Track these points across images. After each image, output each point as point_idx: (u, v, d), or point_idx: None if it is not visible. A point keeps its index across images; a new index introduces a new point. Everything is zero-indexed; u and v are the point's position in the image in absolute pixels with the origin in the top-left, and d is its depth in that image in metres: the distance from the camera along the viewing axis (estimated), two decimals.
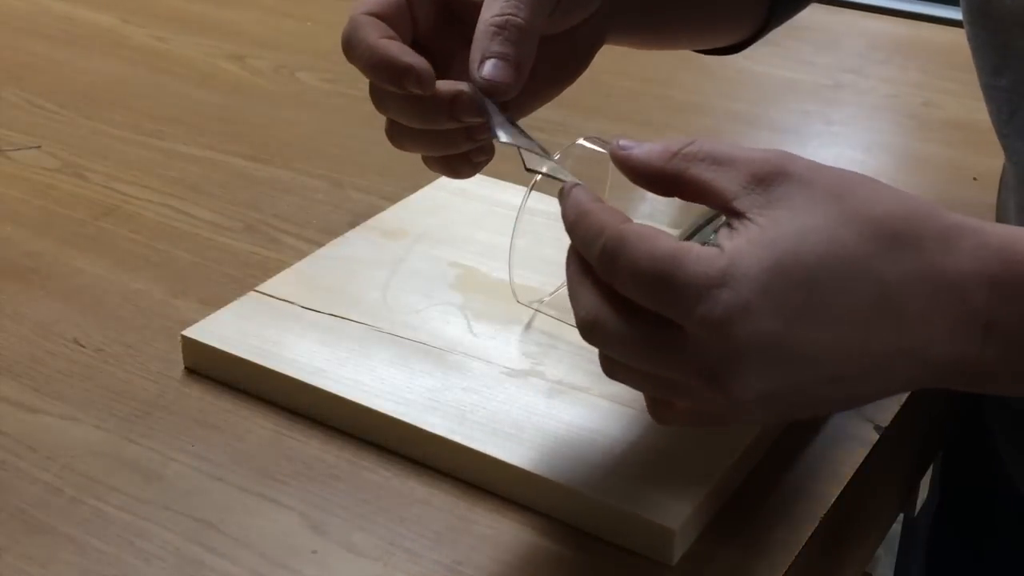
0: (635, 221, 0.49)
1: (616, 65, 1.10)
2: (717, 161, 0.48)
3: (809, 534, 0.57)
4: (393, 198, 0.82)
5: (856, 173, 0.48)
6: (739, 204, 0.46)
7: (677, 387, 0.47)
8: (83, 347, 0.70)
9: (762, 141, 0.97)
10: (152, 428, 0.64)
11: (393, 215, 0.79)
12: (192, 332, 0.67)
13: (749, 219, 0.46)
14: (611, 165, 0.66)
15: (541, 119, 0.98)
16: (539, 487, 0.57)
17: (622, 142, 0.51)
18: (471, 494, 0.59)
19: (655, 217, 0.65)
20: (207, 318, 0.68)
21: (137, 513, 0.58)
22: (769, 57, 1.13)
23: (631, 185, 0.66)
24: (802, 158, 0.48)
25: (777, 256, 0.44)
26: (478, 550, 0.56)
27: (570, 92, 1.03)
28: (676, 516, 0.55)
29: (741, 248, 0.45)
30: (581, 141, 0.66)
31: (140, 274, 0.77)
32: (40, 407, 0.65)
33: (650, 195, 0.66)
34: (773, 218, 0.45)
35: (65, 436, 0.63)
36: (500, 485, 0.59)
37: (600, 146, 0.66)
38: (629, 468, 0.58)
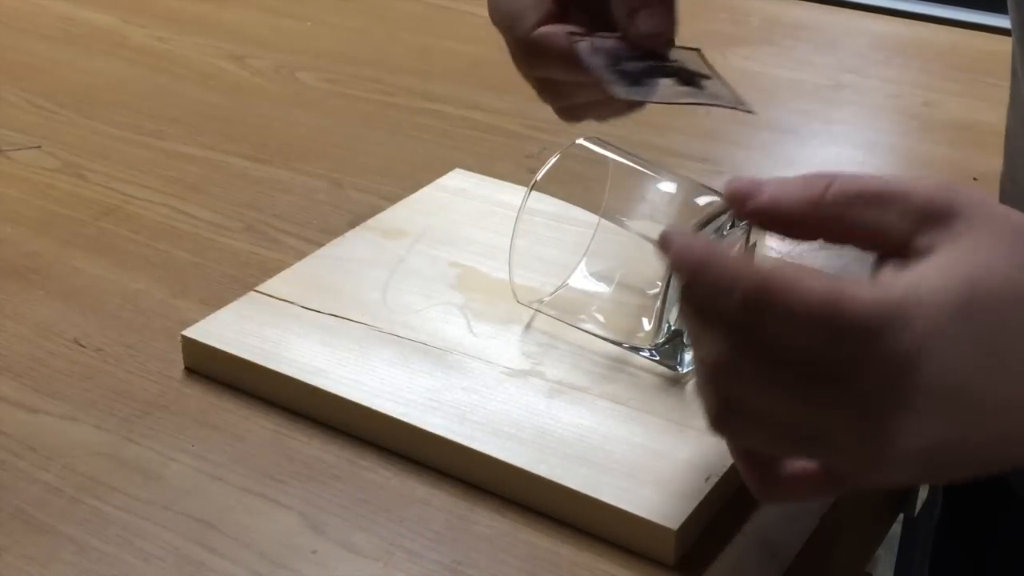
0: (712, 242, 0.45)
1: None
2: (876, 200, 0.43)
3: (809, 534, 0.57)
4: (393, 198, 0.82)
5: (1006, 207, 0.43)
6: (918, 242, 0.42)
7: (814, 442, 0.42)
8: (83, 347, 0.70)
9: (762, 141, 0.97)
10: (152, 428, 0.64)
11: (393, 215, 0.79)
12: (192, 332, 0.67)
13: (924, 256, 0.41)
14: (611, 165, 0.66)
15: (541, 119, 0.98)
16: (539, 487, 0.57)
17: (739, 186, 0.45)
18: (471, 494, 0.59)
19: (655, 217, 0.66)
20: (207, 318, 0.68)
21: (137, 513, 0.58)
22: (769, 57, 1.13)
23: (631, 185, 0.66)
24: (964, 189, 0.43)
25: (961, 283, 0.39)
26: (478, 550, 0.56)
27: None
28: (676, 516, 0.55)
29: (918, 277, 0.40)
30: (581, 141, 0.66)
31: (140, 274, 0.77)
32: (40, 407, 0.65)
33: (649, 195, 0.66)
34: (952, 249, 0.41)
35: (65, 436, 0.63)
36: (500, 485, 0.59)
37: (599, 146, 0.66)
38: (629, 468, 0.58)
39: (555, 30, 0.57)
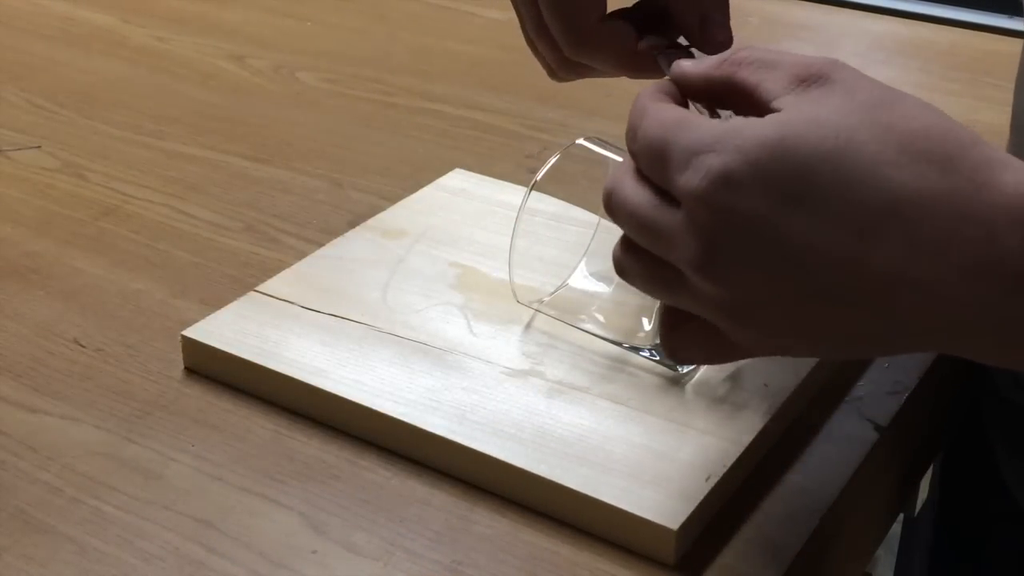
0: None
1: None
2: (765, 64, 0.46)
3: (809, 534, 0.57)
4: (393, 198, 0.82)
5: (910, 96, 0.44)
6: (777, 104, 0.44)
7: (674, 282, 0.46)
8: (83, 347, 0.70)
9: None
10: (152, 428, 0.64)
11: (393, 215, 0.79)
12: (192, 332, 0.67)
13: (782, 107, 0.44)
14: (611, 164, 0.66)
15: (541, 119, 0.98)
16: (539, 487, 0.57)
17: (681, 62, 0.50)
18: (471, 494, 0.59)
19: None
20: (207, 318, 0.68)
21: (137, 513, 0.58)
22: None
23: None
24: (852, 68, 0.45)
25: (781, 134, 0.42)
26: (478, 550, 0.56)
27: (570, 92, 1.03)
28: (676, 516, 0.55)
29: (745, 121, 0.43)
30: (581, 141, 0.66)
31: (140, 274, 0.77)
32: (40, 407, 0.65)
33: None
34: (794, 104, 0.43)
35: (65, 436, 0.63)
36: (500, 485, 0.59)
37: (599, 146, 0.66)
38: (629, 468, 0.58)
39: (623, 27, 0.59)
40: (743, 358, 0.51)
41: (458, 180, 0.84)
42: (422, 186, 0.83)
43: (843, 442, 0.63)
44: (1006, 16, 1.24)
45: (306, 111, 1.01)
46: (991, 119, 1.01)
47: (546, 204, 0.66)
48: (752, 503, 0.58)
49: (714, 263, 0.43)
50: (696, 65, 0.49)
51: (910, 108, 0.43)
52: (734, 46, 0.49)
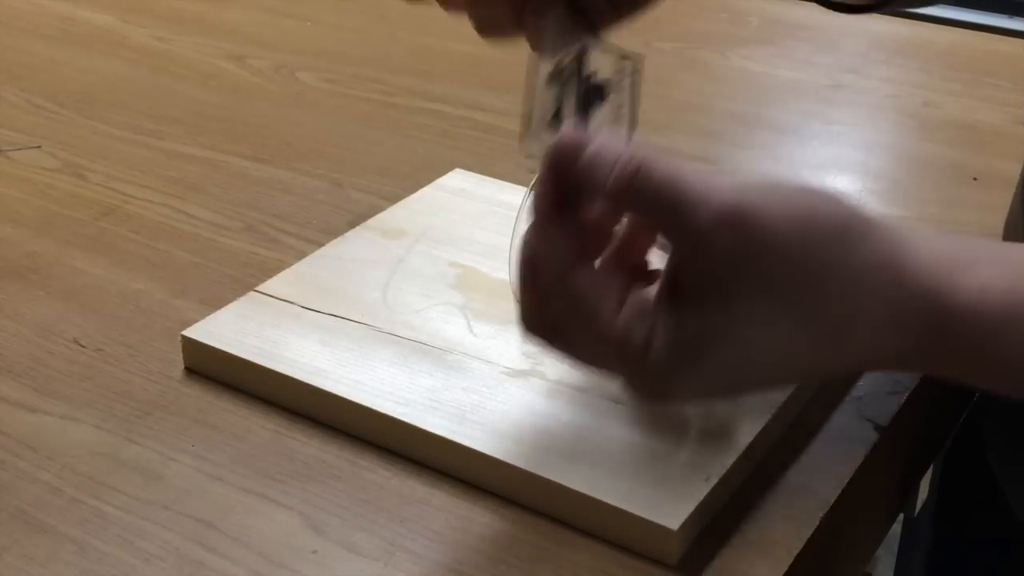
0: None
1: None
2: (664, 210, 0.46)
3: (809, 534, 0.57)
4: (393, 198, 0.82)
5: (826, 227, 0.46)
6: (684, 274, 0.46)
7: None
8: (83, 347, 0.70)
9: (762, 141, 0.97)
10: (152, 428, 0.64)
11: (393, 215, 0.79)
12: (192, 332, 0.67)
13: (689, 305, 0.46)
14: None
15: None
16: (539, 487, 0.57)
17: (566, 134, 0.48)
18: (471, 494, 0.59)
19: None
20: (207, 318, 0.68)
21: (137, 513, 0.58)
22: (769, 57, 1.13)
23: None
24: (762, 223, 0.45)
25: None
26: (478, 550, 0.56)
27: None
28: (676, 516, 0.55)
29: (680, 345, 0.46)
30: None
31: (140, 274, 0.77)
32: (40, 407, 0.65)
33: None
34: (707, 317, 0.46)
35: (65, 436, 0.63)
36: (500, 485, 0.59)
37: None
38: (629, 468, 0.58)
39: None
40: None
41: (458, 180, 0.84)
42: (422, 186, 0.83)
43: (843, 442, 0.63)
44: (1006, 16, 1.24)
45: (306, 111, 1.01)
46: (991, 119, 1.01)
47: None
48: (752, 503, 0.58)
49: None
50: (594, 171, 0.48)
51: (819, 278, 0.45)
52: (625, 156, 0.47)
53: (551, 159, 0.48)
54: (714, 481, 0.57)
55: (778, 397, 0.62)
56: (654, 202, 0.46)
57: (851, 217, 0.46)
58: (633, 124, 0.59)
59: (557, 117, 0.57)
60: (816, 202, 0.46)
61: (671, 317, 0.46)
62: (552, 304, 0.49)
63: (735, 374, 0.47)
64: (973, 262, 0.46)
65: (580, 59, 0.57)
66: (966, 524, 0.82)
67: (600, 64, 0.58)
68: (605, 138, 0.48)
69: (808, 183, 0.48)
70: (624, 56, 0.57)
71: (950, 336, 0.46)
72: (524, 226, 0.65)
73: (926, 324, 0.46)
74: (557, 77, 0.55)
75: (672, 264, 0.48)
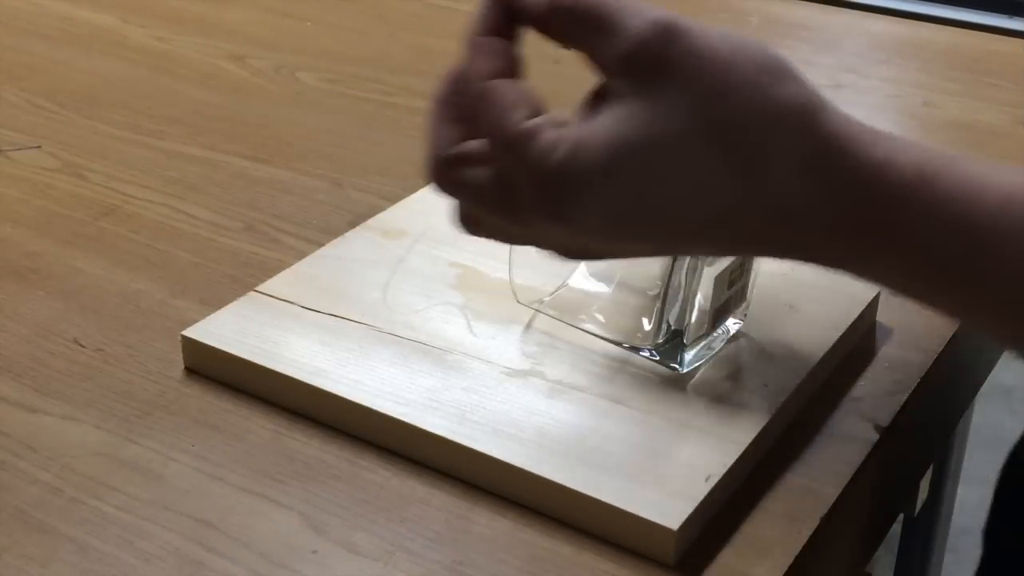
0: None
1: None
2: (597, 26, 0.45)
3: (809, 534, 0.57)
4: (393, 198, 0.82)
5: (743, 56, 0.45)
6: (613, 84, 0.45)
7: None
8: (83, 347, 0.70)
9: None
10: (152, 428, 0.64)
11: (393, 215, 0.79)
12: (192, 332, 0.67)
13: (612, 102, 0.44)
14: None
15: None
16: (539, 487, 0.57)
17: None
18: (471, 494, 0.59)
19: None
20: (207, 318, 0.68)
21: (137, 513, 0.58)
22: None
23: None
24: (687, 39, 0.44)
25: (613, 163, 0.44)
26: (478, 550, 0.56)
27: (571, 92, 1.03)
28: (676, 516, 0.55)
29: (580, 145, 0.44)
30: None
31: (140, 274, 0.77)
32: (40, 407, 0.65)
33: None
34: (632, 110, 0.44)
35: (65, 436, 0.63)
36: (500, 485, 0.59)
37: None
38: (629, 468, 0.58)
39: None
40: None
41: None
42: (422, 186, 0.83)
43: (843, 442, 0.63)
44: (1006, 16, 1.24)
45: (306, 111, 1.01)
46: (991, 119, 1.01)
47: None
48: (752, 503, 0.58)
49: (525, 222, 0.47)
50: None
51: (743, 92, 0.44)
52: None
53: None
54: (714, 481, 0.57)
55: (778, 397, 0.62)
56: (585, 14, 0.45)
57: (779, 60, 0.45)
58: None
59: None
60: (750, 41, 0.45)
61: (582, 125, 0.44)
62: (467, 124, 0.48)
63: (641, 201, 0.44)
64: (889, 136, 0.45)
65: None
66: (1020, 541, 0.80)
67: None
68: None
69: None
70: None
71: (857, 190, 0.44)
72: None
73: (835, 172, 0.44)
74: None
75: (595, 87, 0.46)
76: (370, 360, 0.65)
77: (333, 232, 0.78)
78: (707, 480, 0.57)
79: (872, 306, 0.71)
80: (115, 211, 0.85)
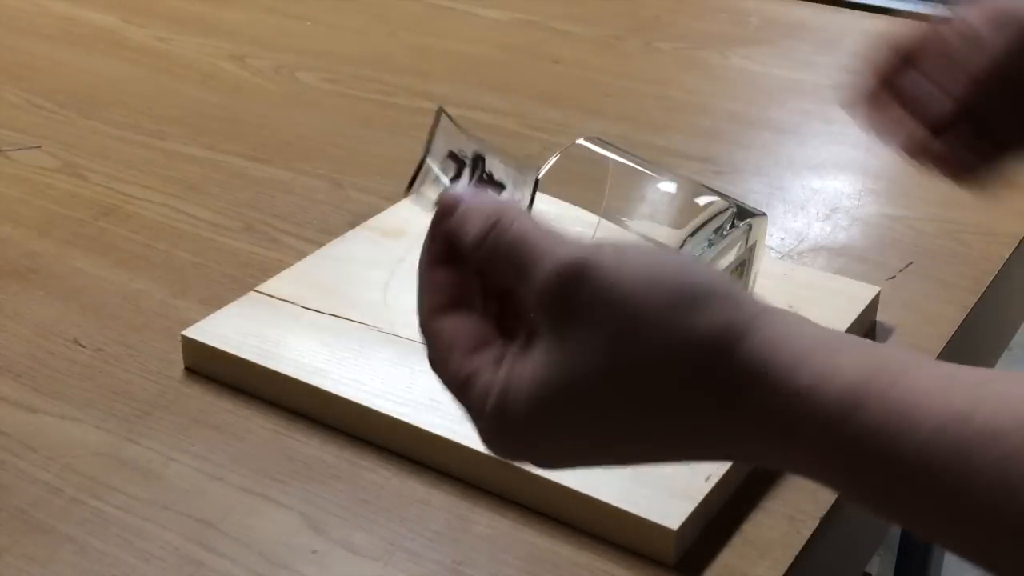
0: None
1: (616, 65, 1.10)
2: (516, 265, 0.46)
3: (809, 534, 0.57)
4: (393, 198, 0.82)
5: (656, 294, 0.43)
6: (534, 320, 0.45)
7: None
8: (83, 347, 0.70)
9: (762, 141, 0.97)
10: (152, 428, 0.64)
11: (393, 215, 0.79)
12: (192, 332, 0.67)
13: (535, 340, 0.45)
14: (611, 166, 0.66)
15: (542, 119, 0.98)
16: (539, 487, 0.57)
17: (444, 198, 0.51)
18: (471, 494, 0.59)
19: (656, 217, 0.66)
20: (207, 318, 0.68)
21: (137, 513, 0.58)
22: (769, 57, 1.13)
23: (630, 185, 0.66)
24: (596, 278, 0.44)
25: (542, 406, 0.44)
26: (478, 550, 0.56)
27: (570, 92, 1.03)
28: (676, 516, 0.55)
29: (510, 390, 0.45)
30: (581, 141, 0.66)
31: (140, 274, 0.77)
32: (40, 407, 0.65)
33: (649, 196, 0.66)
34: (551, 349, 0.44)
35: (65, 436, 0.63)
36: (500, 485, 0.59)
37: (600, 146, 0.66)
38: (629, 468, 0.57)
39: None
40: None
41: None
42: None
43: None
44: None
45: (306, 111, 1.01)
46: None
47: (546, 204, 0.66)
48: (752, 503, 0.58)
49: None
50: (460, 231, 0.49)
51: (652, 330, 0.43)
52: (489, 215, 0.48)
53: (434, 216, 0.51)
54: (714, 481, 0.57)
55: None
56: (506, 257, 0.46)
57: (700, 287, 0.43)
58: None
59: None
60: (670, 268, 0.44)
61: (514, 365, 0.45)
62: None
63: (570, 438, 0.45)
64: (832, 352, 0.42)
65: (478, 160, 0.58)
66: None
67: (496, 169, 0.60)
68: (478, 197, 0.49)
69: (673, 252, 0.46)
70: (519, 171, 0.58)
71: (775, 423, 0.42)
72: None
73: (752, 407, 0.42)
74: (454, 158, 0.56)
75: (525, 320, 0.47)
76: (370, 360, 0.65)
77: (333, 232, 0.78)
78: (707, 480, 0.57)
79: (872, 306, 0.71)
80: (115, 211, 0.85)
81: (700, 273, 0.44)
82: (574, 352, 0.43)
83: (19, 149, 0.93)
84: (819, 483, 0.43)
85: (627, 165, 0.66)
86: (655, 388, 0.43)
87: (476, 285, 0.49)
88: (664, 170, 0.65)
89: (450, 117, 0.52)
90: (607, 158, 0.66)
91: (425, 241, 0.51)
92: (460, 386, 0.46)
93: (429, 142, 0.52)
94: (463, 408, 0.46)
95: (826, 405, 0.40)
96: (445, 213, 0.50)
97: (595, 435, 0.44)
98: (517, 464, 0.48)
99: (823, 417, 0.40)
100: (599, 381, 0.43)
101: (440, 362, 0.48)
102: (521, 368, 0.45)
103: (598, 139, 0.66)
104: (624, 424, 0.44)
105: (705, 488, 0.56)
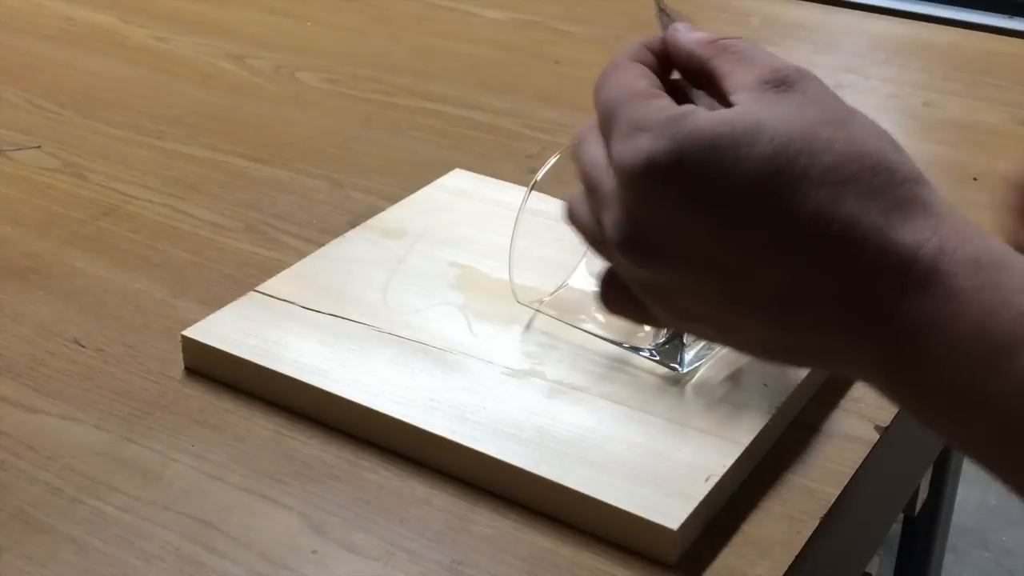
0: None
1: None
2: (743, 58, 0.46)
3: (809, 534, 0.57)
4: (393, 198, 0.82)
5: (867, 120, 0.44)
6: (734, 98, 0.45)
7: (606, 244, 0.46)
8: (83, 347, 0.70)
9: None
10: (152, 428, 0.64)
11: (393, 215, 0.79)
12: (192, 332, 0.67)
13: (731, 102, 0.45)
14: None
15: (542, 119, 0.98)
16: (539, 487, 0.57)
17: (679, 25, 0.50)
18: (471, 494, 0.59)
19: None
20: (207, 318, 0.68)
21: (137, 513, 0.58)
22: None
23: None
24: (820, 83, 0.45)
25: (716, 133, 0.42)
26: (478, 550, 0.56)
27: (570, 92, 1.03)
28: (676, 516, 0.55)
29: (692, 111, 0.43)
30: None
31: (140, 274, 0.77)
32: (40, 407, 0.65)
33: None
34: (746, 103, 0.44)
35: (65, 436, 0.63)
36: (500, 485, 0.59)
37: None
38: (629, 468, 0.58)
39: None
40: (666, 327, 0.50)
41: (458, 180, 0.84)
42: (422, 186, 0.83)
43: (843, 442, 0.63)
44: (1006, 16, 1.24)
45: (306, 111, 1.01)
46: (991, 119, 1.01)
47: (546, 204, 0.66)
48: (752, 503, 0.59)
49: (633, 242, 0.44)
50: (686, 36, 0.49)
51: (857, 131, 0.43)
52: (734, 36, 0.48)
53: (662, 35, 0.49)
54: (714, 481, 0.57)
55: (778, 397, 0.62)
56: (733, 51, 0.46)
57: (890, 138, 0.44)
58: None
59: None
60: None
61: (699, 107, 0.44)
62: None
63: (722, 203, 0.42)
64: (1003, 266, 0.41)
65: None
66: None
67: None
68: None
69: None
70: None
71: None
72: (524, 226, 0.65)
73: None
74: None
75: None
76: (370, 360, 0.65)
77: (333, 232, 0.78)
78: (707, 480, 0.57)
79: None
80: (115, 211, 0.85)
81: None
82: (774, 110, 0.43)
83: (19, 149, 0.93)
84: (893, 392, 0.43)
85: None
86: (836, 169, 0.42)
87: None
88: None
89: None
90: None
91: (629, 45, 0.50)
92: (637, 97, 0.45)
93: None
94: (621, 122, 0.44)
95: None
96: (675, 29, 0.49)
97: (743, 207, 0.42)
98: (626, 240, 0.44)
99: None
100: (787, 138, 0.42)
101: (621, 81, 0.46)
102: (706, 110, 0.43)
103: None
104: (781, 195, 0.42)
105: (705, 488, 0.56)
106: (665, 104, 0.44)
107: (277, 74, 1.08)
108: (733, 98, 0.44)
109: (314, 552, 0.56)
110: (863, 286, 0.41)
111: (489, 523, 0.58)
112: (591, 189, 0.47)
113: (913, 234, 0.41)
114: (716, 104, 0.46)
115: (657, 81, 0.48)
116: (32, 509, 0.58)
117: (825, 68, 1.10)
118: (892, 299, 0.41)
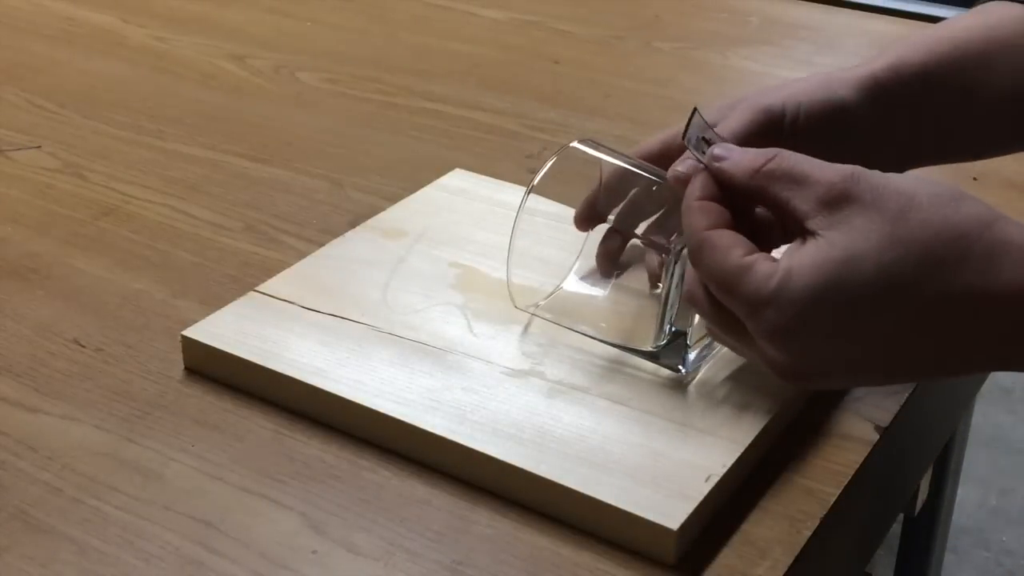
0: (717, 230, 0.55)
1: (616, 65, 1.10)
2: (794, 180, 0.53)
3: (809, 534, 0.57)
4: (393, 198, 0.82)
5: (923, 188, 0.52)
6: (810, 225, 0.52)
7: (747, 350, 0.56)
8: (83, 347, 0.70)
9: None
10: (152, 428, 0.64)
11: (393, 215, 0.79)
12: (192, 332, 0.67)
13: (812, 238, 0.52)
14: (602, 166, 0.66)
15: (542, 119, 0.98)
16: (539, 487, 0.57)
17: (717, 151, 0.56)
18: (471, 494, 0.59)
19: (651, 217, 0.66)
20: (207, 318, 0.68)
21: (137, 513, 0.58)
22: (769, 57, 1.13)
23: (622, 186, 0.66)
24: (871, 178, 0.52)
25: (824, 282, 0.51)
26: (478, 550, 0.56)
27: (570, 92, 1.03)
28: (676, 516, 0.55)
29: (792, 270, 0.51)
30: (575, 144, 0.66)
31: (140, 274, 0.77)
32: (40, 407, 0.65)
33: (643, 196, 0.66)
34: (830, 240, 0.51)
35: (65, 436, 0.63)
36: (500, 485, 0.59)
37: (594, 148, 0.66)
38: (629, 468, 0.58)
39: None
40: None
41: (458, 180, 0.84)
42: (422, 186, 0.83)
43: (843, 442, 0.63)
44: None
45: (306, 111, 1.01)
46: None
47: (546, 205, 0.66)
48: (752, 503, 0.59)
49: (793, 375, 0.54)
50: (732, 169, 0.55)
51: (924, 215, 0.51)
52: (765, 151, 0.55)
53: (705, 158, 0.57)
54: (714, 481, 0.57)
55: (778, 397, 0.62)
56: (788, 173, 0.54)
57: (957, 188, 0.52)
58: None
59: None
60: (928, 179, 0.52)
61: (791, 256, 0.52)
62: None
63: (848, 309, 0.51)
64: None
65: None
66: None
67: None
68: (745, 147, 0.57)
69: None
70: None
71: None
72: (524, 225, 0.65)
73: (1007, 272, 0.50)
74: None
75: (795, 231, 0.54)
76: (370, 360, 0.65)
77: (333, 232, 0.78)
78: (707, 480, 0.57)
79: None
80: (115, 211, 0.85)
81: (953, 183, 0.52)
82: (854, 232, 0.51)
83: (19, 149, 0.93)
84: None
85: (619, 166, 0.66)
86: (927, 258, 0.50)
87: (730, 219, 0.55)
88: (658, 170, 0.65)
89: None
90: (601, 160, 0.66)
91: (691, 183, 0.57)
92: (740, 273, 0.52)
93: (692, 115, 0.58)
94: (738, 303, 0.53)
95: None
96: (717, 158, 0.56)
97: (874, 321, 0.51)
98: (793, 379, 0.54)
99: None
100: (878, 254, 0.50)
101: (718, 261, 0.53)
102: (800, 256, 0.52)
103: (592, 141, 0.66)
104: (900, 302, 0.50)
105: (705, 488, 0.56)
106: (767, 274, 0.52)
107: (277, 74, 1.08)
108: (809, 224, 0.52)
109: (314, 552, 0.56)
110: (993, 330, 0.51)
111: (489, 523, 0.58)
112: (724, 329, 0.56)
113: (1014, 271, 0.50)
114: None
115: (733, 226, 0.55)
116: (32, 509, 0.59)
117: (825, 68, 1.10)
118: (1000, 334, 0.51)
